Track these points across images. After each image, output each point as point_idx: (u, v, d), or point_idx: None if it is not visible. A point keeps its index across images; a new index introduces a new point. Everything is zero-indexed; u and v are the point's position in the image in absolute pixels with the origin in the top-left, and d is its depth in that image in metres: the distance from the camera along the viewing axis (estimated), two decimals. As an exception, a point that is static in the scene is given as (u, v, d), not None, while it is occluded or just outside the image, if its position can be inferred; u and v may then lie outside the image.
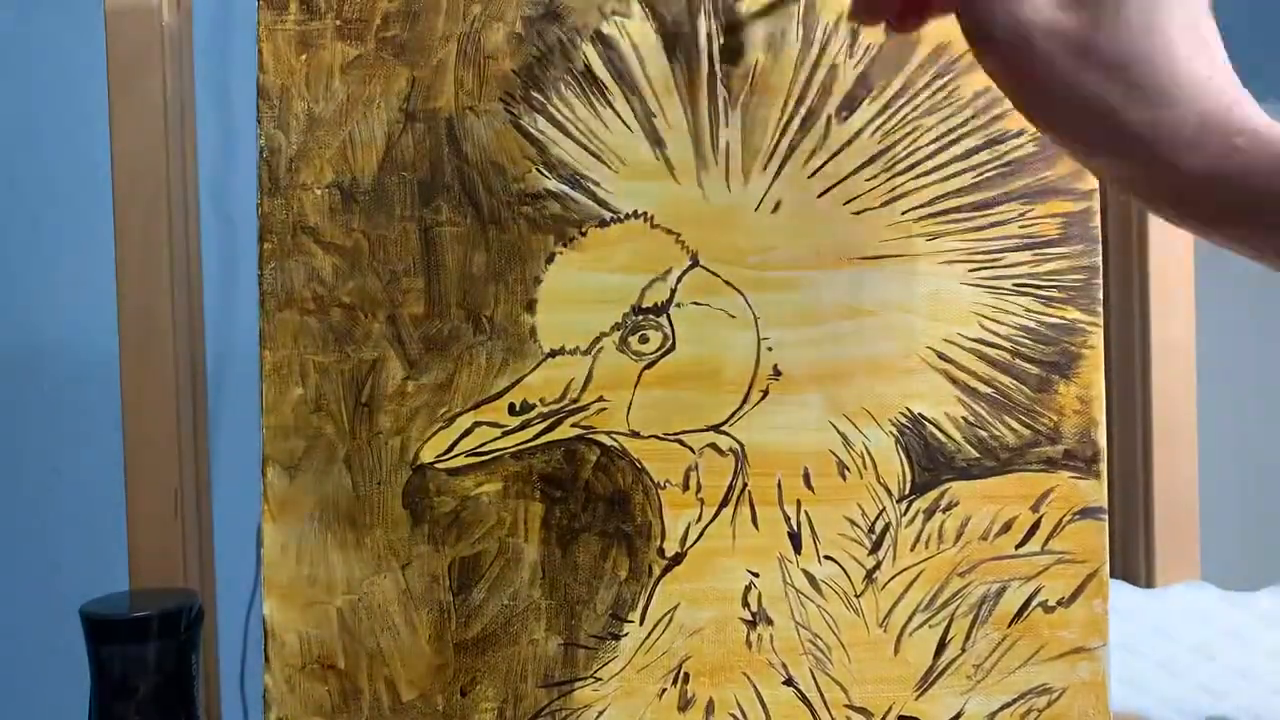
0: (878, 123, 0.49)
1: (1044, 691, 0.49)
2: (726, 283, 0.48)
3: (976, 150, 0.49)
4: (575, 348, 0.48)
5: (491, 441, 0.47)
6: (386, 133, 0.48)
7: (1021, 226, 0.49)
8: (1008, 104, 0.49)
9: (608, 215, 0.48)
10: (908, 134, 0.49)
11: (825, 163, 0.49)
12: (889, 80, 0.49)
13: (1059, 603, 0.49)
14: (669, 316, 0.48)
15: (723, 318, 0.48)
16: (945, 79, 0.49)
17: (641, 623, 0.48)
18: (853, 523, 0.48)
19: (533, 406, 0.47)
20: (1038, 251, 0.49)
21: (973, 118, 0.49)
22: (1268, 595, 0.64)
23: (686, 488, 0.48)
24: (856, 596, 0.48)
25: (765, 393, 0.48)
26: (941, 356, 0.49)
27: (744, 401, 0.48)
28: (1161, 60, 0.34)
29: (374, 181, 0.48)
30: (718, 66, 0.48)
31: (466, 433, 0.47)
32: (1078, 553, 0.49)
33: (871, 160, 0.49)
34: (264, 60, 0.48)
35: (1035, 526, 0.49)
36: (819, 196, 0.49)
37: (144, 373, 0.67)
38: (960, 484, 0.49)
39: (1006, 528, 0.49)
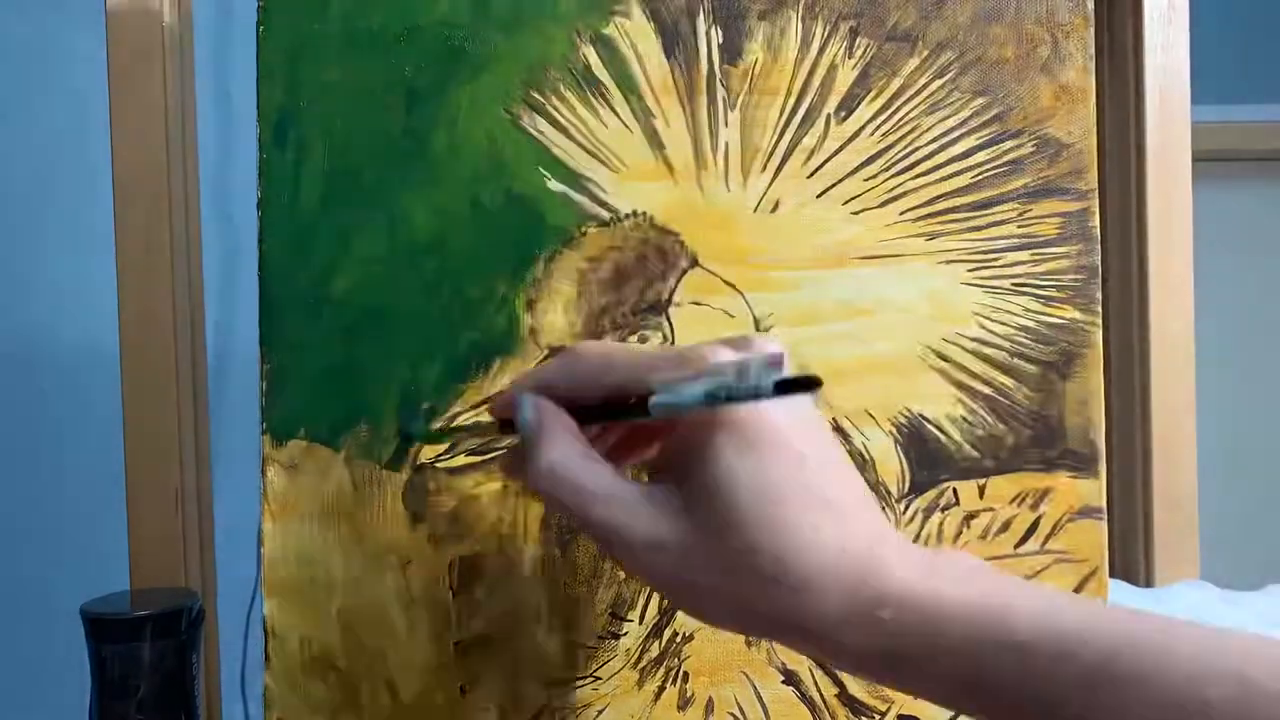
0: (877, 122, 0.49)
1: (1043, 691, 0.49)
2: (726, 282, 0.48)
3: (975, 150, 0.49)
4: (575, 348, 0.48)
5: (492, 441, 0.47)
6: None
7: (1020, 226, 0.49)
8: (1006, 104, 0.50)
9: (607, 215, 0.48)
10: (907, 134, 0.49)
11: (824, 163, 0.49)
12: (888, 80, 0.49)
13: (1058, 602, 0.49)
14: (668, 316, 0.48)
15: (722, 317, 0.48)
16: (944, 79, 0.49)
17: (641, 622, 0.48)
18: (852, 522, 0.48)
19: (532, 406, 0.47)
20: (1036, 251, 0.49)
21: (971, 117, 0.49)
22: (1267, 595, 0.64)
23: (686, 487, 0.48)
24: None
25: (764, 392, 0.48)
26: (940, 356, 0.49)
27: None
28: (786, 548, 0.33)
29: (374, 182, 0.48)
30: (717, 67, 0.48)
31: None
32: (1077, 552, 0.49)
33: (870, 160, 0.49)
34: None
35: (1034, 526, 0.49)
36: (818, 196, 0.49)
37: (144, 373, 0.67)
38: (959, 483, 0.49)
39: (1005, 527, 0.49)
